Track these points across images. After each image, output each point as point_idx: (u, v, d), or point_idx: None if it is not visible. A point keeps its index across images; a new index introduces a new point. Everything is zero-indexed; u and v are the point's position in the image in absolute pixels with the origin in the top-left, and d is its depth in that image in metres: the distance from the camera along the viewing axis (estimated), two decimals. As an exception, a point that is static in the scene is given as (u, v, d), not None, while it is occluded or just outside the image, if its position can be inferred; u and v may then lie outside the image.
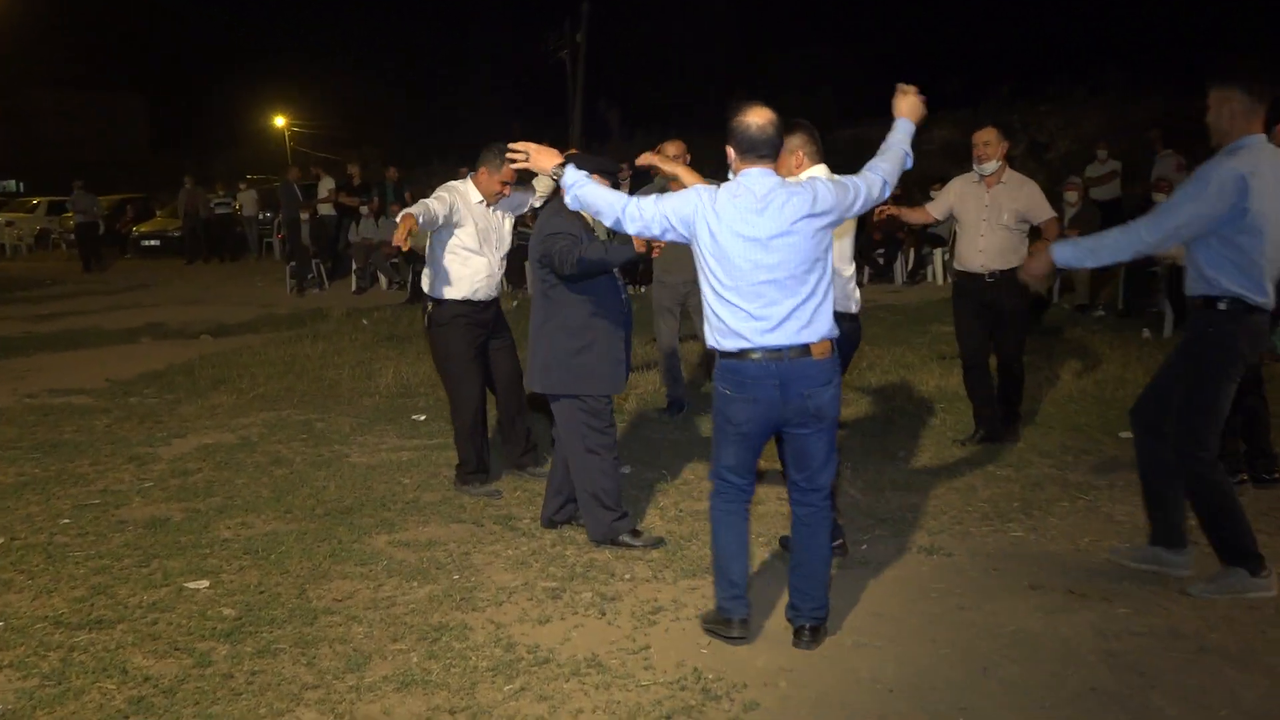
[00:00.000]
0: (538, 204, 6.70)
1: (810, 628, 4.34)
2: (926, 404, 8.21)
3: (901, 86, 4.53)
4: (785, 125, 4.29)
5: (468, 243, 6.29)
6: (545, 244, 5.27)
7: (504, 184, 6.28)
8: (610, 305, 5.42)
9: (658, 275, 8.28)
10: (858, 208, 4.26)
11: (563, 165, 4.48)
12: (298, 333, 13.16)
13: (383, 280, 17.64)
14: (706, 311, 4.22)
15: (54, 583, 5.17)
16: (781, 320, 4.07)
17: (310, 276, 17.90)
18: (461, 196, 6.29)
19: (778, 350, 4.08)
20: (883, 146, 4.44)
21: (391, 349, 11.53)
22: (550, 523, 5.75)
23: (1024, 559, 5.19)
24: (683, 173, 5.08)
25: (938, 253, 16.18)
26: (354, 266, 17.83)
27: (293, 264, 17.84)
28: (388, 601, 4.87)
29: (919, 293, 15.36)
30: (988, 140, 6.88)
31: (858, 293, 5.36)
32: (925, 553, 5.32)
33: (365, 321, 13.72)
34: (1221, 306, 4.56)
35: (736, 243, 4.06)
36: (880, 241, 16.35)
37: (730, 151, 4.16)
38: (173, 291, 19.19)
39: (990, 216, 6.92)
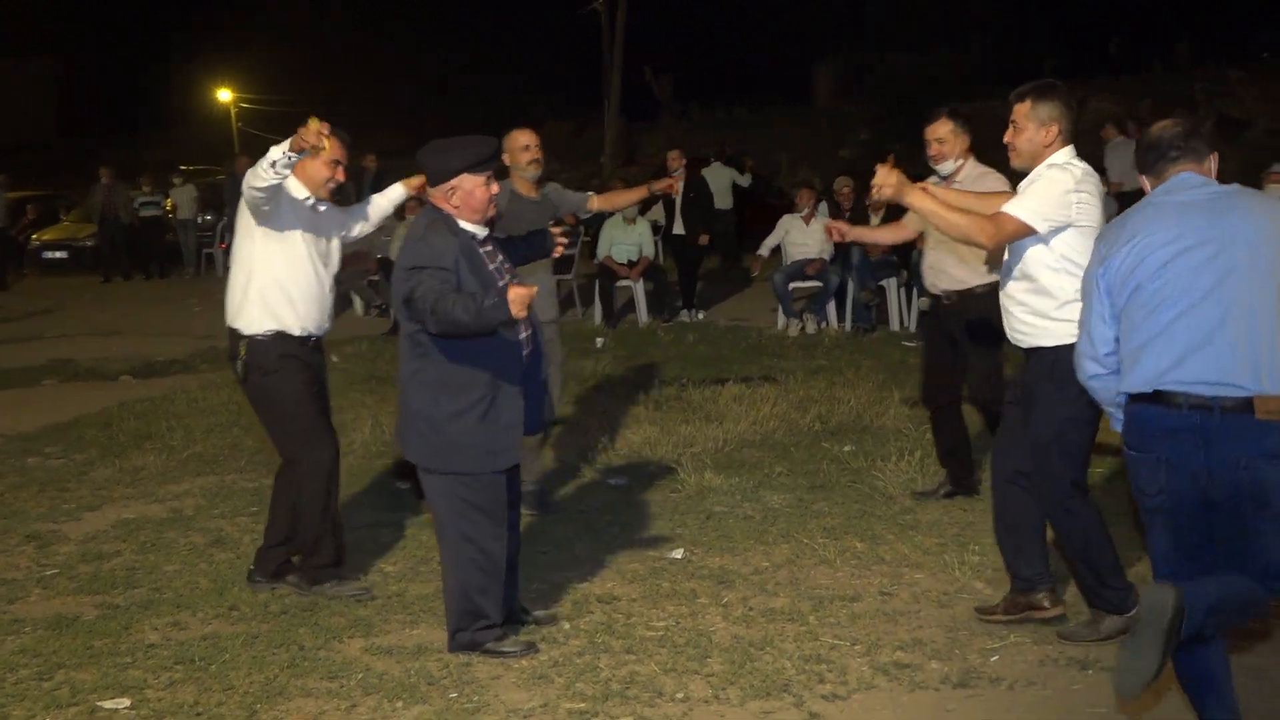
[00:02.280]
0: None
1: None
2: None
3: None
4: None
5: (295, 255, 6.24)
6: (407, 285, 5.33)
7: (335, 165, 6.23)
8: (505, 350, 5.50)
9: None
10: None
11: None
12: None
13: (358, 304, 17.84)
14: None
15: (-71, 700, 5.25)
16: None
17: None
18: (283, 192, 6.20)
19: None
20: None
21: (369, 393, 11.65)
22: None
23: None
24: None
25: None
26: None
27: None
28: (363, 727, 4.92)
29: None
30: (941, 136, 7.12)
31: None
32: (1078, 666, 5.31)
33: (335, 358, 13.84)
34: None
35: None
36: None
37: None
38: (85, 318, 19.45)
39: (929, 229, 7.08)
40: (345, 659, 5.59)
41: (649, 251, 16.57)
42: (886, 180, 5.34)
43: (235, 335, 6.30)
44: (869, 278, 14.61)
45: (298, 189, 6.25)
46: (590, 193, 8.34)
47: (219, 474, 8.97)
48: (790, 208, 16.55)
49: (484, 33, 47.56)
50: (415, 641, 5.77)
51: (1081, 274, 4.84)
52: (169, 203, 26.09)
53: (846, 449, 8.77)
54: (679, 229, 17.27)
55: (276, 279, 6.20)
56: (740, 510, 7.70)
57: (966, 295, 7.26)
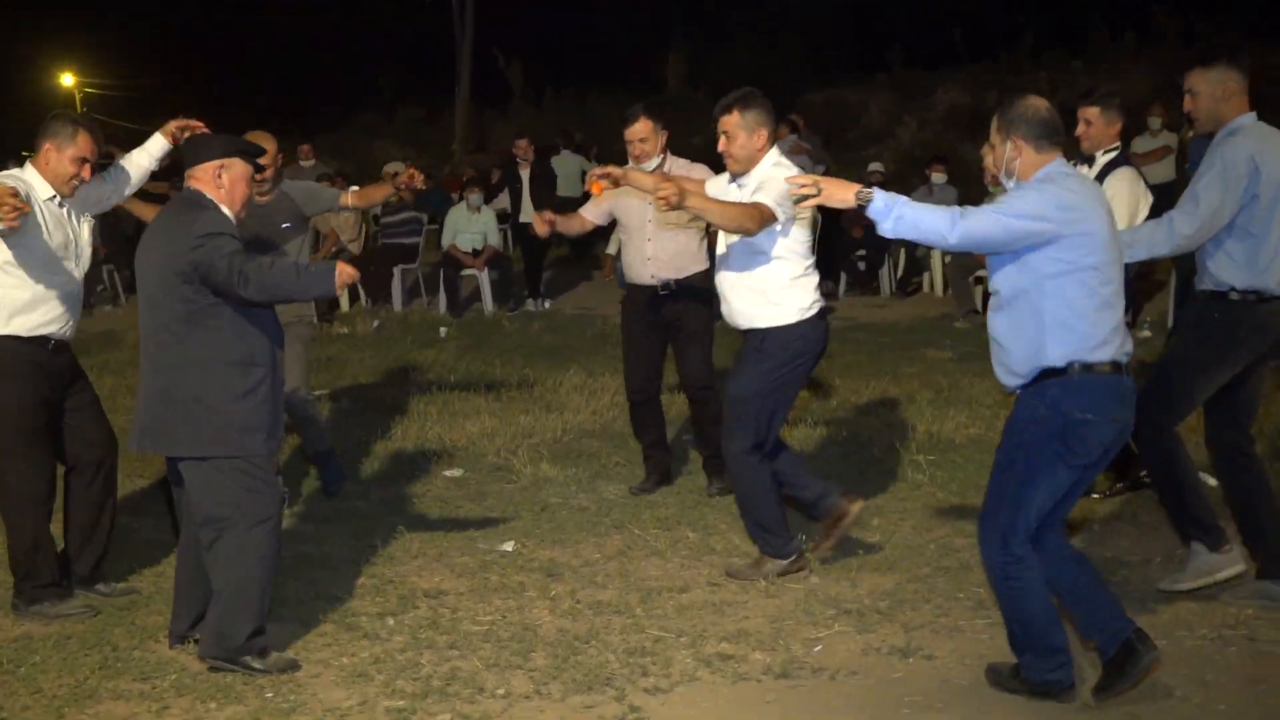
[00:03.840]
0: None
1: None
2: (912, 456, 8.27)
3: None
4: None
5: (37, 255, 5.85)
6: (201, 252, 5.09)
7: (81, 162, 5.88)
8: (274, 328, 5.41)
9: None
10: None
11: (869, 191, 4.76)
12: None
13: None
14: (1065, 318, 4.67)
15: None
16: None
17: (101, 289, 17.69)
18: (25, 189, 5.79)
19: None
20: None
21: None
22: (183, 639, 5.58)
23: (1028, 661, 5.24)
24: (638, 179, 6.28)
25: (937, 255, 16.35)
26: (159, 274, 17.66)
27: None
28: (174, 730, 4.82)
29: (911, 307, 15.54)
30: (644, 136, 7.27)
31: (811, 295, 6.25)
32: (899, 655, 5.36)
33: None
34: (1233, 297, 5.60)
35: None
36: (861, 241, 16.48)
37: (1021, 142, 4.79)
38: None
39: (657, 218, 7.26)
40: (160, 659, 5.47)
41: (494, 240, 16.52)
42: (669, 192, 5.57)
43: None
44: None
45: (43, 188, 5.89)
46: (340, 190, 8.12)
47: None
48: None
49: (335, 14, 46.97)
50: (234, 640, 5.67)
51: (798, 261, 6.14)
52: None
53: (685, 439, 8.78)
54: (525, 217, 17.16)
55: (12, 281, 5.81)
56: (575, 501, 7.69)
57: (687, 283, 7.42)
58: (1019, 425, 4.85)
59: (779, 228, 6.00)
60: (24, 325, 5.87)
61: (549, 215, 7.32)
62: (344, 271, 5.05)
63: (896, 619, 5.74)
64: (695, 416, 7.97)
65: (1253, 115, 5.71)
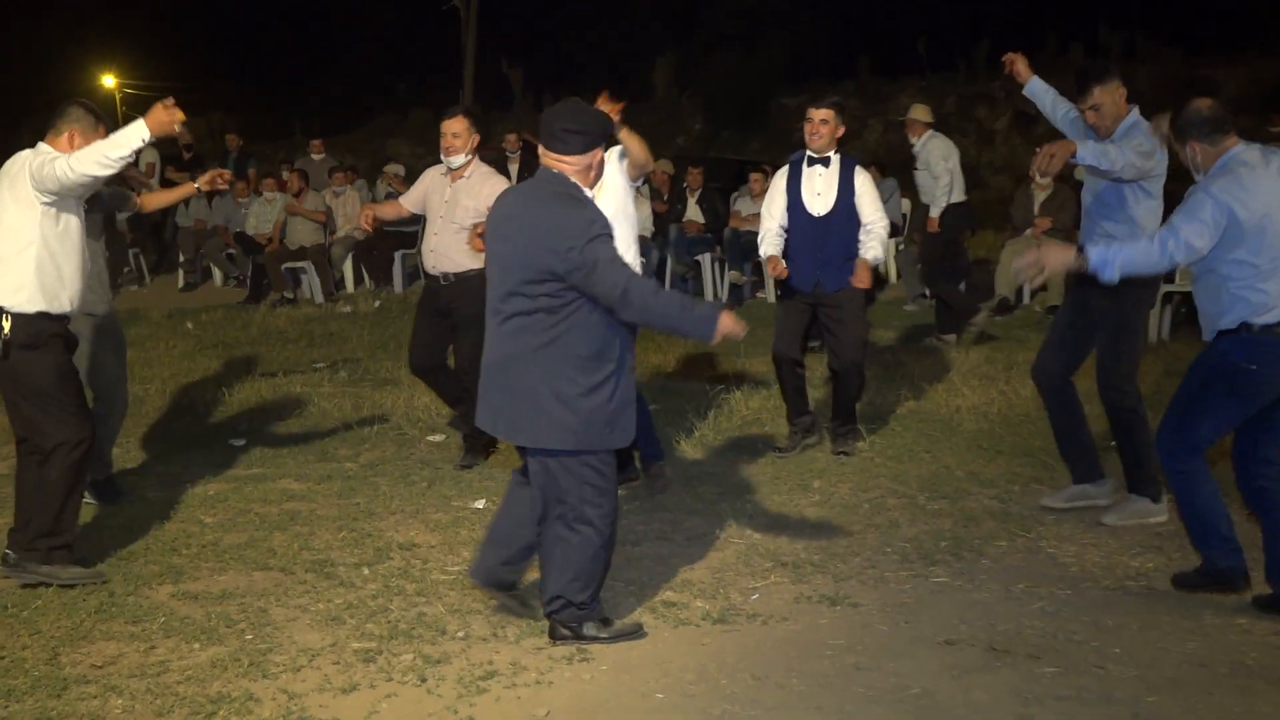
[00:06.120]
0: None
1: None
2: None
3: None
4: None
5: (70, 235, 5.69)
6: (585, 253, 4.58)
7: None
8: (623, 325, 4.87)
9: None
10: None
11: (1081, 253, 5.17)
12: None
13: (217, 274, 17.45)
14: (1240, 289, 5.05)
15: None
16: None
17: (126, 270, 17.62)
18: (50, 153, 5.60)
19: None
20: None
21: (217, 358, 11.38)
22: (489, 579, 5.19)
23: (944, 610, 5.24)
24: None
25: (892, 242, 16.29)
26: (181, 258, 17.61)
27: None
28: (159, 667, 4.79)
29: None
30: (456, 132, 7.25)
31: None
32: (828, 603, 5.35)
33: (190, 325, 13.55)
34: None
35: None
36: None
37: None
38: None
39: (447, 213, 7.32)
40: (152, 604, 5.45)
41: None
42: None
43: None
44: (685, 253, 14.61)
45: None
46: (132, 192, 7.86)
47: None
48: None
49: (355, 21, 46.89)
50: (221, 588, 5.64)
51: None
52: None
53: (653, 408, 8.73)
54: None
55: (52, 255, 5.61)
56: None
57: (464, 278, 7.31)
58: None
59: None
60: (56, 302, 5.62)
61: (368, 213, 7.43)
62: (725, 323, 4.66)
63: (828, 570, 5.73)
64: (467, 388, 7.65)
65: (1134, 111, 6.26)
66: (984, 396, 8.81)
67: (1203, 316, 5.27)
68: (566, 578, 4.86)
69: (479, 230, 6.70)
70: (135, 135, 5.37)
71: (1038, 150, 5.93)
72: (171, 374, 10.64)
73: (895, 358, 10.53)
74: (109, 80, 50.72)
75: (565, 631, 4.93)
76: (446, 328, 7.49)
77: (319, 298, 15.40)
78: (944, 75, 30.31)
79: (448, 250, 7.37)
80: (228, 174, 7.12)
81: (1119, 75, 6.34)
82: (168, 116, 5.39)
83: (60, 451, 5.61)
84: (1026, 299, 13.32)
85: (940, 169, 11.50)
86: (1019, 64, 6.73)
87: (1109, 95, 6.25)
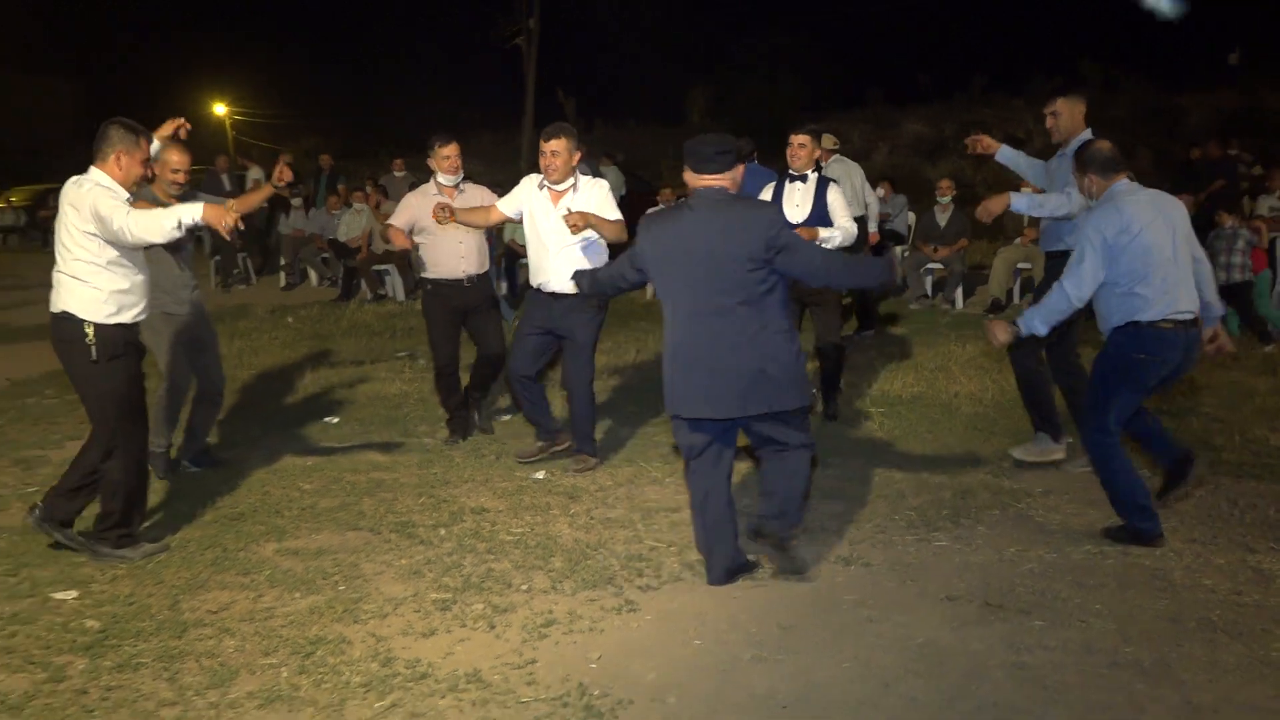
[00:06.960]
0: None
1: None
2: (866, 409, 8.20)
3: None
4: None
5: (136, 254, 5.54)
6: (783, 238, 4.79)
7: (146, 163, 5.56)
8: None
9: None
10: None
11: (1016, 326, 5.56)
12: (218, 330, 12.99)
13: (313, 276, 17.52)
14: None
15: (-91, 593, 5.08)
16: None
17: (236, 271, 17.74)
18: (111, 192, 5.41)
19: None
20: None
21: (313, 348, 11.45)
22: (755, 530, 5.12)
23: (944, 569, 5.20)
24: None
25: (897, 250, 16.20)
26: (283, 261, 17.70)
27: (217, 258, 17.67)
28: (265, 613, 4.82)
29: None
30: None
31: None
32: (843, 563, 5.32)
33: (290, 319, 13.61)
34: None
35: None
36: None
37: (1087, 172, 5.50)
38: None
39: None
40: (259, 559, 5.48)
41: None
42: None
43: (74, 320, 5.43)
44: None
45: (117, 189, 5.44)
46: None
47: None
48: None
49: (428, 55, 47.06)
50: (318, 545, 5.67)
51: None
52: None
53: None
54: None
55: (122, 271, 5.46)
56: (596, 440, 7.63)
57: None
58: None
59: None
60: (127, 315, 5.50)
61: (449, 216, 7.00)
62: (896, 268, 4.90)
63: (843, 535, 5.69)
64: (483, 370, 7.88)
65: (1089, 131, 6.38)
66: (980, 384, 8.75)
67: (1099, 319, 5.57)
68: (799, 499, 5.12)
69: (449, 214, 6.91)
70: (190, 214, 5.20)
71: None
72: (275, 361, 10.71)
73: (901, 349, 10.46)
74: (220, 108, 50.95)
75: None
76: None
77: (401, 296, 15.44)
78: (942, 103, 30.15)
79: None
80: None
81: (1084, 98, 6.52)
82: (221, 218, 5.21)
83: (119, 452, 5.50)
84: (1016, 299, 13.22)
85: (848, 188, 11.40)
86: (984, 140, 6.84)
87: (1069, 107, 6.46)
